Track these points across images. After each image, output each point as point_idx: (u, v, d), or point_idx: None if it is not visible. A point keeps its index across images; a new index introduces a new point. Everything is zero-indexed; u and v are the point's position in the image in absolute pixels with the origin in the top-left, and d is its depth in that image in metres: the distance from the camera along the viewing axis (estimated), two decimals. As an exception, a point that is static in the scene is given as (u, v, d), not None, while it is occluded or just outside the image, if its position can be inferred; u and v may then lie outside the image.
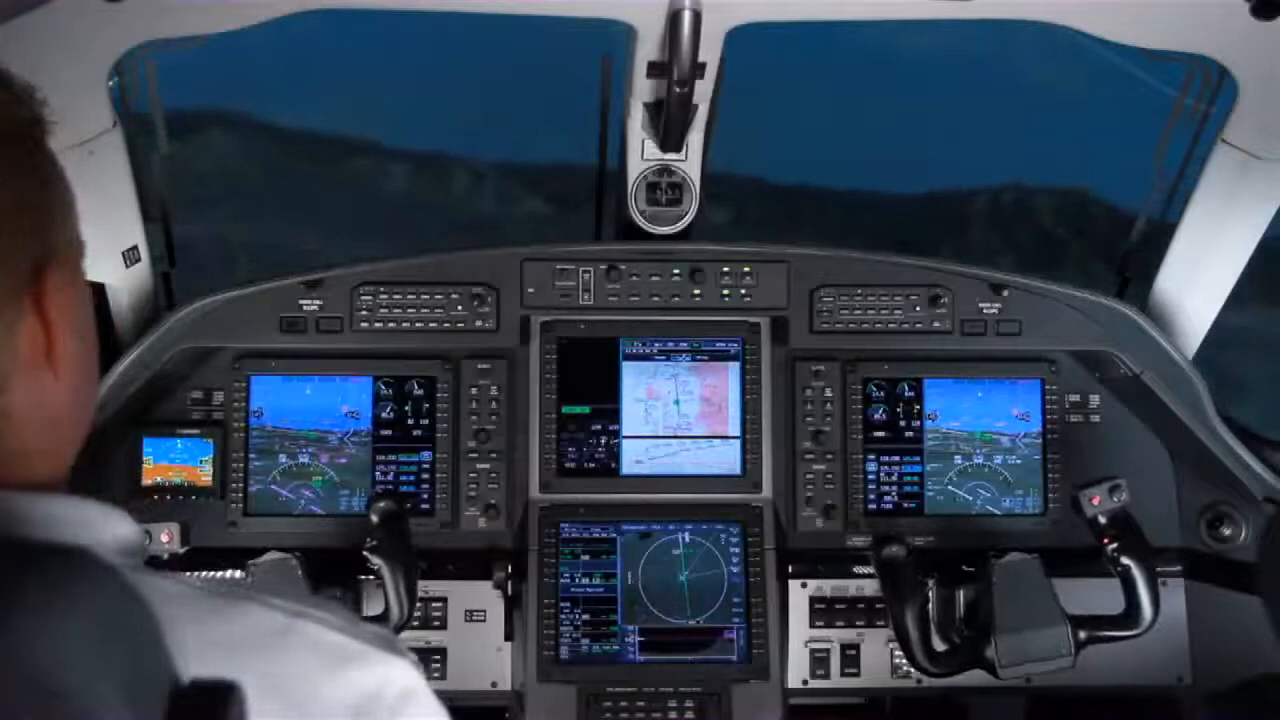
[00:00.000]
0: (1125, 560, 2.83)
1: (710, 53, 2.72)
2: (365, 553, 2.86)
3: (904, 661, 3.17)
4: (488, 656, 3.17)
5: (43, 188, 1.14)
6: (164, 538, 2.81)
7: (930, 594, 3.06)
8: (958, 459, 3.29)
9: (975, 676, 2.96)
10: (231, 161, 12.53)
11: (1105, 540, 2.84)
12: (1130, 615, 2.85)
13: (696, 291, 3.26)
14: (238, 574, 2.99)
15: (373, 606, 3.03)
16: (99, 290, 3.08)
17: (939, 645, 3.01)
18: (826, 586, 3.22)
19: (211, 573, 3.06)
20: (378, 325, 3.22)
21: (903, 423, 3.29)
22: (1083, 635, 2.85)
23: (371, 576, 2.97)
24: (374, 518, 2.88)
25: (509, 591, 3.12)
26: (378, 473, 3.22)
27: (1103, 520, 2.82)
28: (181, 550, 2.84)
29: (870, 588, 3.20)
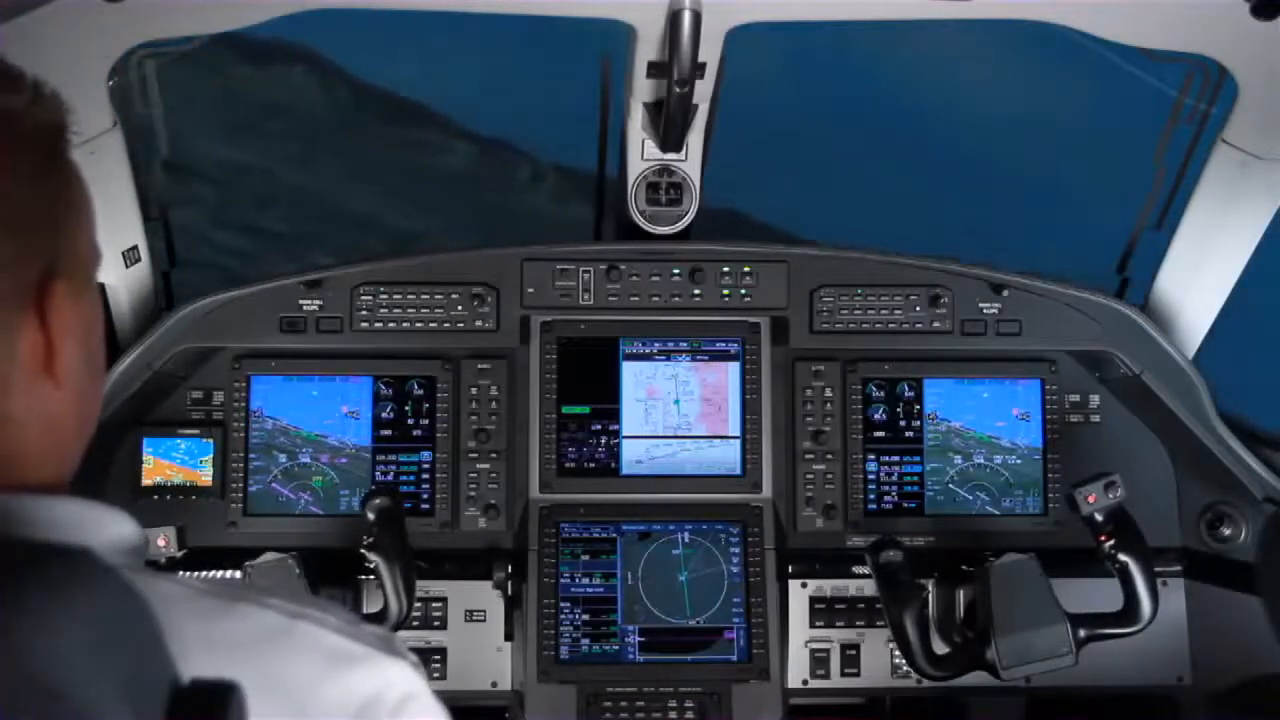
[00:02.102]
0: (1123, 557, 2.82)
1: (710, 53, 2.72)
2: (362, 550, 2.86)
3: (904, 662, 3.17)
4: (488, 656, 3.17)
5: (59, 196, 1.13)
6: (160, 542, 2.81)
7: (930, 595, 3.06)
8: (958, 459, 3.29)
9: (975, 676, 2.95)
10: (305, 102, 12.44)
11: (1102, 538, 2.82)
12: (1129, 612, 2.83)
13: (696, 291, 3.26)
14: (236, 574, 2.99)
15: (373, 606, 3.03)
16: (99, 290, 3.07)
17: (939, 646, 3.00)
18: (826, 586, 3.23)
19: (210, 573, 3.06)
20: (378, 325, 3.22)
21: (903, 423, 3.29)
22: (1083, 633, 2.84)
23: (372, 576, 2.98)
24: (369, 515, 2.87)
25: (509, 591, 3.12)
26: (378, 473, 3.22)
27: (1099, 517, 2.81)
28: (178, 554, 2.84)
29: (870, 588, 3.20)
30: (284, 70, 12.14)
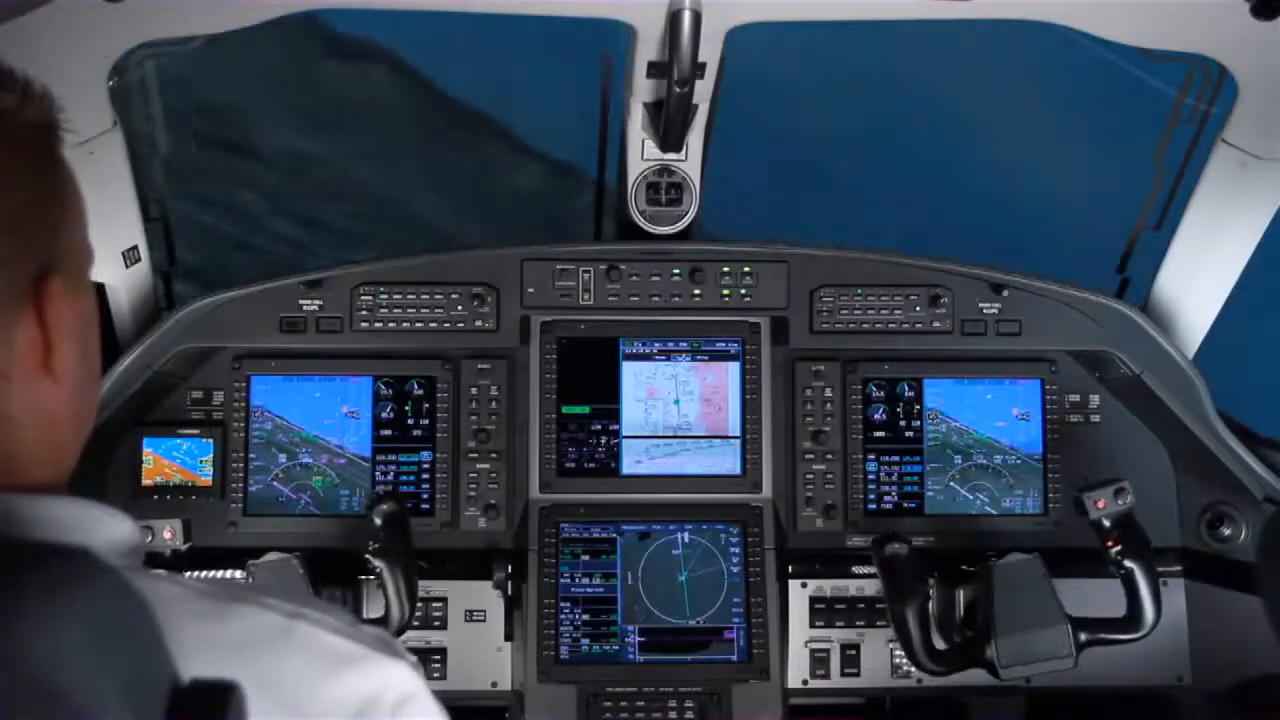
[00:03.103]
0: (1129, 563, 2.84)
1: (710, 53, 2.72)
2: (367, 555, 2.87)
3: (904, 661, 3.17)
4: (488, 656, 3.17)
5: (53, 194, 1.14)
6: (166, 534, 2.81)
7: (931, 593, 3.06)
8: (958, 459, 3.29)
9: (975, 676, 2.96)
10: (383, 104, 12.41)
11: (1109, 543, 2.84)
12: (1132, 619, 2.85)
13: (696, 291, 3.26)
14: (238, 574, 3.00)
15: (373, 607, 3.04)
16: (99, 290, 3.07)
17: (939, 645, 3.01)
18: (826, 586, 3.22)
19: (212, 572, 3.06)
20: (378, 325, 3.22)
21: (903, 423, 3.29)
22: (1083, 637, 2.85)
23: (372, 577, 2.98)
24: (376, 520, 2.87)
25: (509, 591, 3.12)
26: (378, 473, 3.22)
27: (1107, 523, 2.83)
28: (183, 547, 2.83)
29: (870, 588, 3.20)
30: (363, 68, 12.14)
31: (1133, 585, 2.84)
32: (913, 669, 3.16)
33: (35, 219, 1.11)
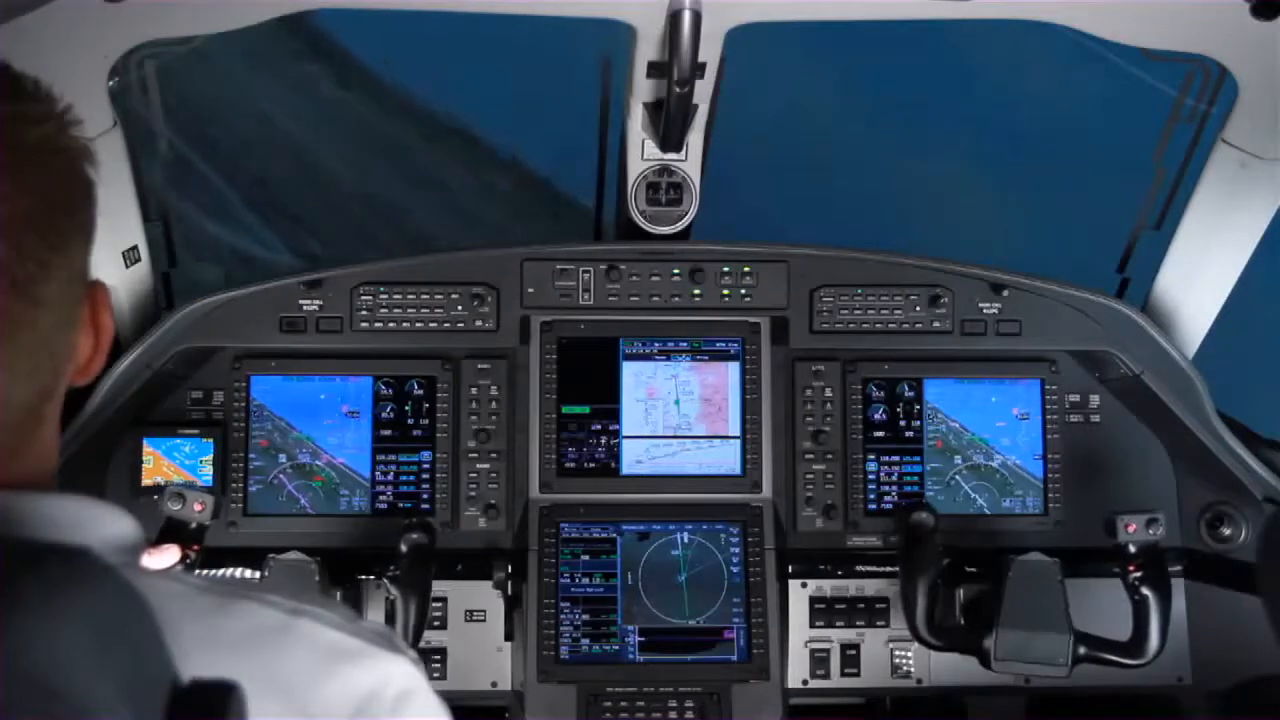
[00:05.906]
0: (1145, 591, 2.87)
1: (710, 53, 2.72)
2: (386, 579, 2.86)
3: (904, 661, 3.17)
4: (488, 656, 3.17)
5: (96, 209, 1.18)
6: (196, 506, 2.76)
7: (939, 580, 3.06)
8: (958, 459, 3.29)
9: (974, 676, 2.96)
10: (461, 183, 12.65)
11: (1131, 568, 2.86)
12: (1136, 645, 2.88)
13: (696, 291, 3.26)
14: (242, 573, 3.00)
15: (374, 609, 3.04)
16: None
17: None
18: (826, 586, 3.23)
19: (220, 570, 3.04)
20: (378, 325, 3.22)
21: (903, 422, 3.29)
22: (1083, 651, 2.87)
23: (371, 577, 2.98)
24: (402, 546, 2.86)
25: (509, 591, 3.12)
26: (378, 473, 3.22)
27: (1133, 549, 2.86)
28: (209, 522, 2.80)
29: (870, 588, 3.21)
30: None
31: (1144, 614, 2.87)
32: (913, 669, 3.17)
33: (90, 232, 1.15)
